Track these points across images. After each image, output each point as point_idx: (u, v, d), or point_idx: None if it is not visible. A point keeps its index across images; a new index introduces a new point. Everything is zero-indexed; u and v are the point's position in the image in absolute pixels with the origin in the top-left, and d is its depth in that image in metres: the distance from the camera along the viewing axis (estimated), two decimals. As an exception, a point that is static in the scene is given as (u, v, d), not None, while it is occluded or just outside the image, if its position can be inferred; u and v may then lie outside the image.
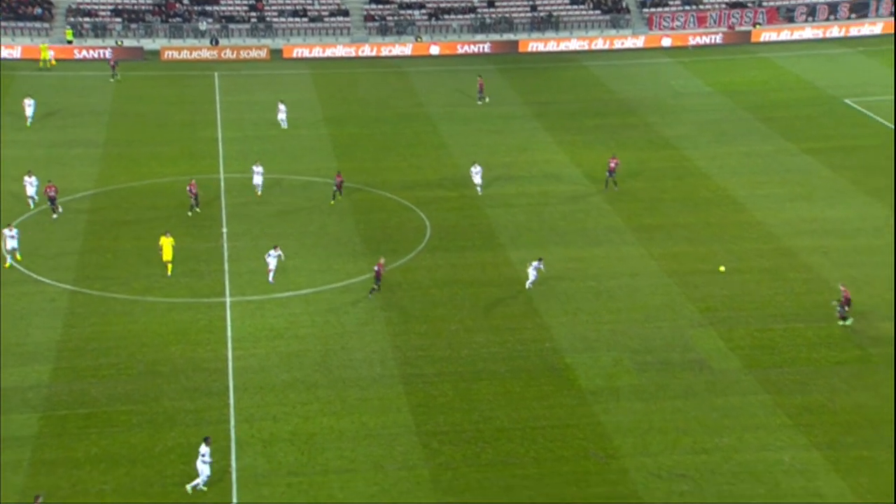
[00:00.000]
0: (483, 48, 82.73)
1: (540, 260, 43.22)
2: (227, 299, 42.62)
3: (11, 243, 44.85)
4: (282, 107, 64.05)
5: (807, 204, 52.17)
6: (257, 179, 52.93)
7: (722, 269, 43.70)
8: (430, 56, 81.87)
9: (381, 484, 31.68)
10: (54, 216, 49.59)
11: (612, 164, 54.00)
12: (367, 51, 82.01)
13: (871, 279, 44.00)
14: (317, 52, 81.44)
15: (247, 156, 58.43)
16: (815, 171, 56.30)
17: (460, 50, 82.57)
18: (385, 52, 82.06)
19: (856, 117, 65.12)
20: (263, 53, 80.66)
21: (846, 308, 39.97)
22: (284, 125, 63.64)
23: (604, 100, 70.26)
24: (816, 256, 46.17)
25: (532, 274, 43.10)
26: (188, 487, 30.93)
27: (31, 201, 50.71)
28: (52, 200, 49.67)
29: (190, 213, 50.15)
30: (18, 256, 45.03)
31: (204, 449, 30.92)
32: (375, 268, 42.46)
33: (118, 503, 30.78)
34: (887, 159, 57.68)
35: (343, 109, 67.98)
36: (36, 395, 35.79)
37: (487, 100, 68.63)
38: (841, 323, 39.92)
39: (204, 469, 30.82)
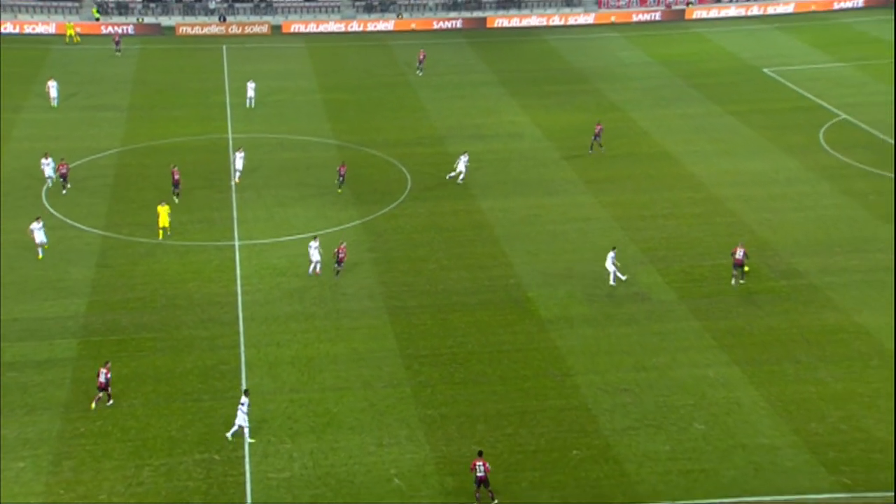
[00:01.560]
0: (455, 24, 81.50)
1: (614, 249, 38.60)
2: (236, 242, 42.20)
3: (39, 236, 39.90)
4: (251, 84, 59.83)
5: (731, 158, 52.08)
6: (238, 164, 47.64)
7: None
8: (410, 31, 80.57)
9: (370, 399, 31.76)
10: (63, 192, 46.00)
11: (598, 129, 53.46)
12: (354, 26, 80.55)
13: (784, 222, 44.16)
14: (311, 27, 79.89)
15: (251, 119, 57.53)
16: (738, 131, 56.13)
17: (436, 26, 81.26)
18: (371, 27, 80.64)
19: (772, 84, 64.85)
20: (265, 29, 79.07)
21: (740, 269, 38.01)
22: (251, 104, 58.91)
23: (560, 69, 69.55)
24: (738, 203, 46.22)
25: (611, 268, 38.09)
26: (229, 435, 29.26)
27: (48, 181, 46.64)
28: (64, 177, 45.86)
29: (176, 200, 45.04)
30: (46, 246, 40.27)
31: (244, 399, 29.32)
32: (338, 252, 38.35)
33: (146, 414, 30.71)
34: (798, 119, 57.55)
35: (334, 78, 66.89)
36: (74, 323, 35.48)
37: (420, 73, 66.58)
38: (736, 281, 38.52)
39: (243, 419, 29.04)
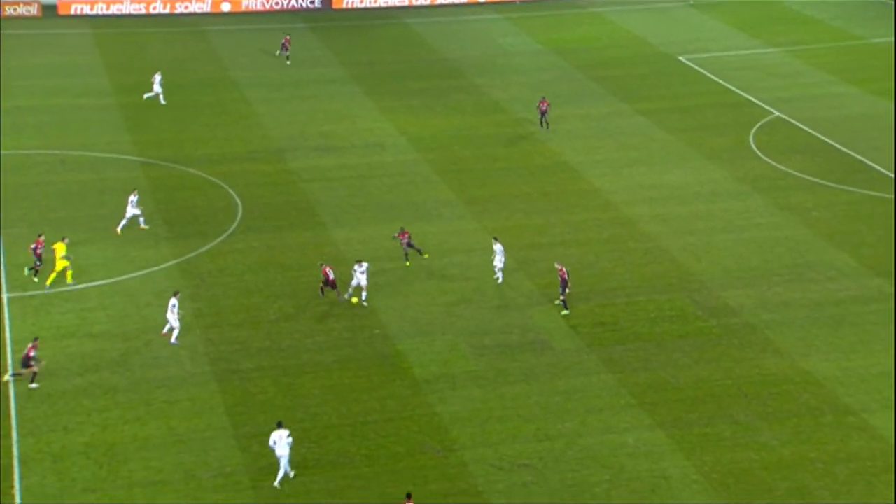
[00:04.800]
0: (291, 3, 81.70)
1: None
2: (4, 295, 40.76)
3: None
4: (157, 77, 61.34)
5: (644, 169, 54.04)
6: None
7: (354, 300, 40.18)
8: (231, 13, 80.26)
9: (193, 494, 31.08)
10: None
11: (544, 107, 55.38)
12: (158, 7, 79.64)
13: (711, 246, 46.07)
14: (99, 8, 78.45)
15: (21, 129, 55.84)
16: (651, 134, 58.34)
17: (266, 6, 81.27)
18: (180, 8, 79.91)
19: (690, 75, 67.81)
20: (34, 10, 77.09)
21: (564, 290, 39.88)
22: (158, 97, 60.94)
23: (428, 60, 70.64)
24: (655, 224, 47.96)
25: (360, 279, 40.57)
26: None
27: None
28: None
29: None
30: None
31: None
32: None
33: None
34: (722, 119, 60.32)
35: (134, 75, 65.76)
36: None
37: (288, 62, 67.87)
38: (563, 311, 40.08)
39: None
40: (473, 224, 47.87)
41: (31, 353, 35.49)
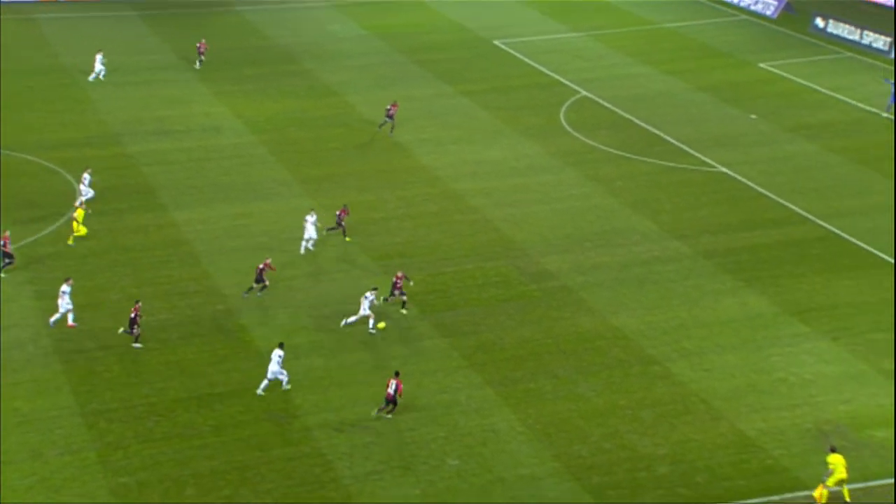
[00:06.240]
0: (124, -8, 78.73)
1: (373, 290, 37.93)
2: None
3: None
4: (99, 57, 59.51)
5: (467, 146, 54.58)
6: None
7: (382, 325, 37.70)
8: (62, 1, 76.74)
9: (39, 473, 29.96)
10: None
11: (393, 111, 54.15)
12: (-10, -5, 75.40)
13: (529, 216, 46.96)
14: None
15: None
16: (472, 114, 58.92)
17: (98, -6, 78.12)
18: (10, -5, 75.90)
19: (506, 59, 68.69)
20: None
21: (397, 294, 38.41)
22: (99, 76, 60.30)
23: (260, 47, 69.34)
24: (479, 198, 48.54)
25: (365, 306, 37.57)
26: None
27: None
28: None
29: None
30: None
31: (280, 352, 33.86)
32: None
33: None
34: (536, 98, 61.38)
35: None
36: None
37: (197, 66, 64.43)
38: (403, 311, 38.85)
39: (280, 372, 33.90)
40: (310, 202, 47.37)
41: (134, 315, 35.76)
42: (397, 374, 33.29)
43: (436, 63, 67.10)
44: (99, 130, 54.27)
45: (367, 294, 37.63)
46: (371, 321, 37.43)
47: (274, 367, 33.86)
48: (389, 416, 32.96)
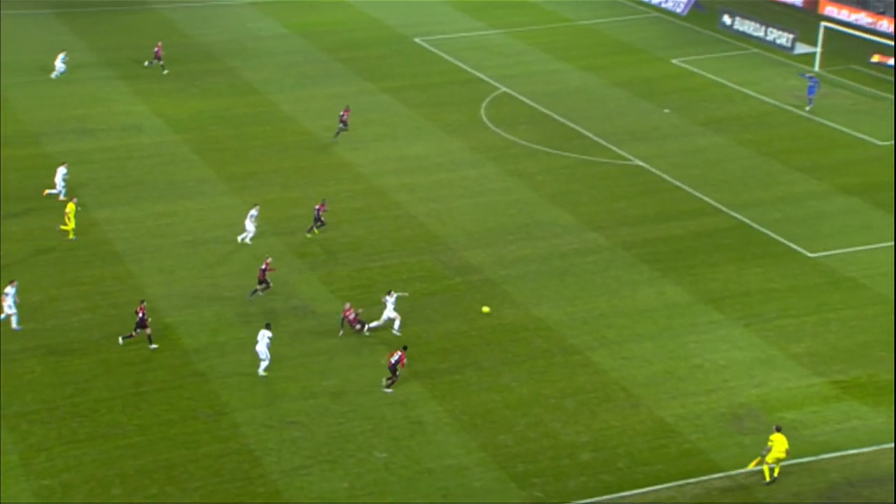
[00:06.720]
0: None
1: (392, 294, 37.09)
2: None
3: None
4: (62, 56, 58.42)
5: (390, 142, 54.33)
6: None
7: (486, 309, 38.50)
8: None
9: (-35, 478, 29.11)
10: None
11: (345, 116, 53.20)
12: None
13: (452, 211, 46.92)
14: None
15: None
16: (394, 110, 58.67)
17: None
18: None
19: (426, 56, 68.56)
20: None
21: (359, 325, 36.67)
22: (60, 74, 59.44)
23: (181, 45, 68.12)
24: (403, 193, 48.38)
25: (390, 308, 36.66)
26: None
27: None
28: None
29: None
30: None
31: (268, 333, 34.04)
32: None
33: None
34: (456, 95, 61.33)
35: None
36: None
37: (165, 72, 62.59)
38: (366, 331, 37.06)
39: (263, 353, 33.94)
40: (234, 199, 46.73)
41: (141, 314, 35.26)
42: (405, 348, 34.05)
43: (358, 60, 66.69)
44: (16, 130, 52.82)
45: (387, 297, 36.85)
46: (397, 322, 36.69)
47: (260, 348, 34.11)
48: (389, 389, 33.74)
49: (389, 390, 33.80)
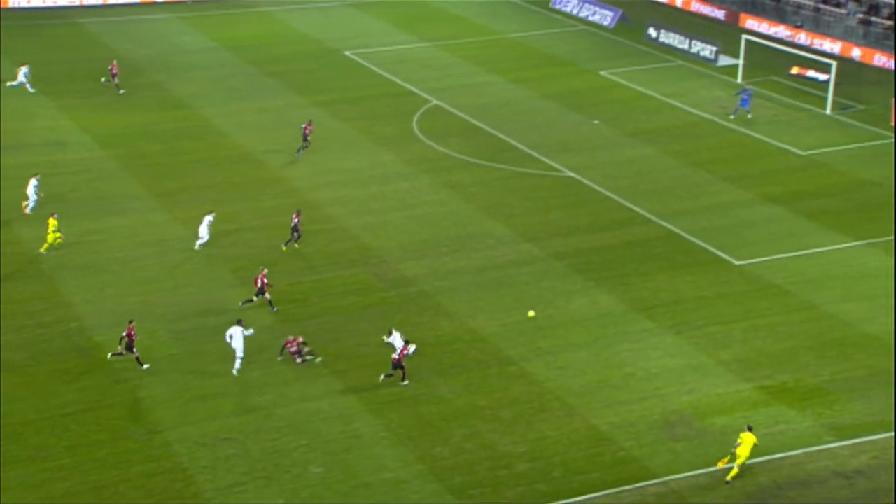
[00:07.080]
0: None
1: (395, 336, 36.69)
2: None
3: None
4: (24, 69, 58.01)
5: (323, 156, 54.07)
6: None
7: (531, 314, 39.08)
8: None
9: None
10: None
11: (307, 130, 52.51)
12: None
13: (386, 224, 46.85)
14: None
15: None
16: (326, 124, 58.39)
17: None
18: None
19: (356, 69, 68.46)
20: None
21: (299, 359, 35.94)
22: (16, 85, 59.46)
23: (106, 59, 66.89)
24: (337, 207, 48.18)
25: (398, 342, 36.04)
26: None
27: None
28: None
29: None
30: None
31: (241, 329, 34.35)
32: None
33: None
34: (388, 108, 61.34)
35: None
36: None
37: (121, 91, 61.24)
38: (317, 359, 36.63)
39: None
40: (165, 215, 46.09)
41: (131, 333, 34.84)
42: (407, 342, 35.06)
43: (287, 74, 66.36)
44: (-62, 146, 51.59)
45: (393, 336, 36.49)
46: (411, 348, 35.83)
47: (237, 343, 34.46)
48: (405, 382, 34.70)
49: (405, 382, 34.80)
